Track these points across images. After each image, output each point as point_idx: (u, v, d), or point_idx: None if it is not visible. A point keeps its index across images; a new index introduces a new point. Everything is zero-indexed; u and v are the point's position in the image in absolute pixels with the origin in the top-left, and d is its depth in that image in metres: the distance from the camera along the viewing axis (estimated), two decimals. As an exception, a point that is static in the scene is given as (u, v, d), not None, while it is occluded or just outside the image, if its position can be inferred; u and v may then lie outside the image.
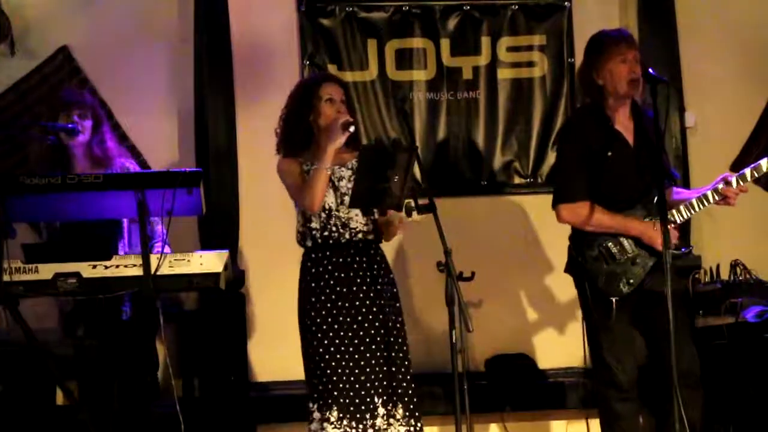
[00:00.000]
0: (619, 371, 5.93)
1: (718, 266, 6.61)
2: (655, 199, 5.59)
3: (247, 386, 6.80)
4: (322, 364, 5.60)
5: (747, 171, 5.67)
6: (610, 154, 5.84)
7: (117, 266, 5.47)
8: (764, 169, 5.64)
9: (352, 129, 5.57)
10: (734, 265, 6.87)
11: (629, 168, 5.82)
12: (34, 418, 6.44)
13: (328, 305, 5.63)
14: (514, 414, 7.02)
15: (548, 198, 7.13)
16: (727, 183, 5.66)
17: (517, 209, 7.39)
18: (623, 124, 5.89)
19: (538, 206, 7.34)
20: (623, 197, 5.81)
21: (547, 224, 7.18)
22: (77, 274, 5.46)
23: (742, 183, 5.67)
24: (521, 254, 7.33)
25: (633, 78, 5.77)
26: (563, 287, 6.96)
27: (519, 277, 7.28)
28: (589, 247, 5.95)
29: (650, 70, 5.68)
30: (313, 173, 5.56)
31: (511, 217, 7.37)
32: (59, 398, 6.40)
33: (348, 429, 5.56)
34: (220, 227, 6.86)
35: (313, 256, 5.68)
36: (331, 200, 5.65)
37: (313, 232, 5.66)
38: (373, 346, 5.64)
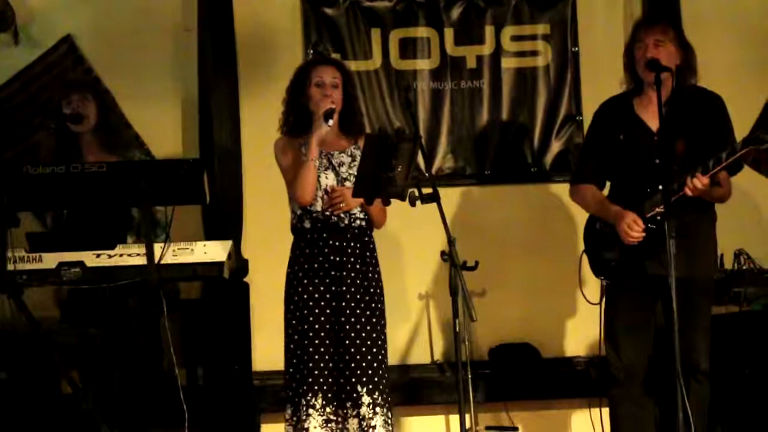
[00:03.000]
0: (614, 358, 5.97)
1: (721, 255, 6.59)
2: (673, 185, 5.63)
3: (251, 375, 6.81)
4: (310, 349, 5.66)
5: (710, 162, 5.64)
6: (622, 137, 5.89)
7: (121, 255, 5.50)
8: (723, 159, 5.59)
9: (330, 123, 5.64)
10: (738, 254, 6.87)
11: (644, 153, 5.83)
12: (39, 406, 6.46)
13: (322, 288, 5.69)
14: (518, 403, 7.03)
15: (552, 186, 7.21)
16: (693, 175, 5.63)
17: (520, 198, 7.40)
18: (654, 110, 5.83)
19: (541, 195, 7.36)
20: (638, 180, 5.83)
21: (551, 213, 7.20)
22: (81, 263, 5.49)
23: (702, 174, 5.62)
24: (526, 243, 7.34)
25: (645, 61, 5.77)
26: (568, 277, 6.96)
27: (523, 266, 7.29)
28: (589, 229, 6.07)
29: (653, 59, 5.70)
30: (301, 167, 5.62)
31: (515, 205, 7.38)
32: (65, 387, 6.43)
33: (331, 416, 5.59)
34: (224, 217, 6.87)
35: (308, 237, 5.73)
36: (332, 183, 5.71)
37: (314, 214, 5.70)
38: (363, 335, 5.68)
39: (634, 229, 5.74)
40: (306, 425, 5.62)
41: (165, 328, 5.95)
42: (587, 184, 6.07)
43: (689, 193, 5.59)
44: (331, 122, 5.67)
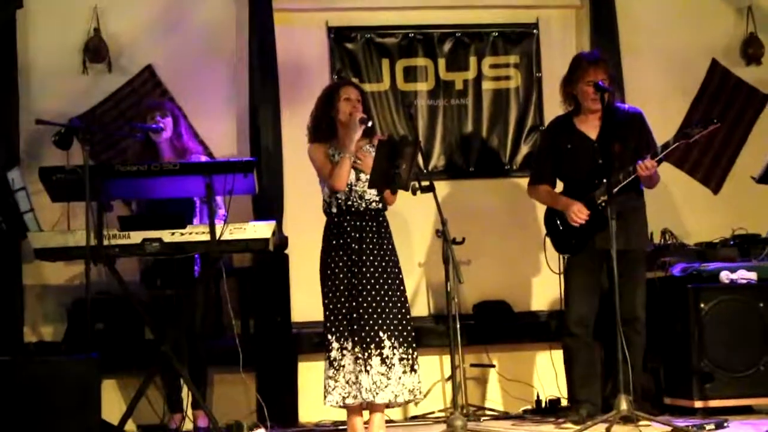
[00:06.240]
0: (569, 313, 6.00)
1: (651, 233, 6.58)
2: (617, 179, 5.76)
3: (290, 325, 6.81)
4: (339, 305, 5.67)
5: (659, 149, 5.75)
6: (569, 147, 5.94)
7: (190, 233, 5.51)
8: (671, 144, 5.72)
9: (370, 123, 5.70)
10: (664, 232, 6.86)
11: (588, 157, 5.90)
12: (128, 348, 6.47)
13: (345, 258, 5.70)
14: (495, 346, 7.02)
15: (521, 180, 7.21)
16: (642, 159, 5.71)
17: (497, 189, 7.38)
18: (591, 124, 5.95)
19: (513, 186, 7.35)
20: (583, 178, 5.91)
21: (519, 200, 7.18)
22: (160, 239, 5.50)
23: (652, 158, 5.71)
24: (501, 224, 7.32)
25: (594, 98, 5.82)
26: (533, 249, 6.96)
27: (499, 241, 7.28)
28: (548, 218, 6.10)
29: (599, 83, 5.75)
30: (340, 161, 5.62)
31: (493, 195, 7.37)
32: (147, 334, 6.44)
33: (359, 355, 5.61)
34: (269, 203, 6.86)
35: (336, 220, 5.75)
36: (351, 178, 5.70)
37: (339, 201, 5.71)
38: (381, 292, 5.68)
39: (579, 215, 5.83)
40: (342, 362, 5.64)
41: (224, 289, 5.95)
42: (542, 184, 6.16)
43: (642, 173, 5.67)
44: (370, 123, 5.71)
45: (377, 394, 5.58)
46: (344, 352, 5.63)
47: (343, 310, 5.66)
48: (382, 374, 5.60)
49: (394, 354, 5.63)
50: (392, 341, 5.64)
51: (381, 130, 7.13)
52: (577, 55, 6.21)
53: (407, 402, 5.78)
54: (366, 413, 5.78)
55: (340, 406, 5.71)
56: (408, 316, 5.75)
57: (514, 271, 7.26)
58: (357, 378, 5.60)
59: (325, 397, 5.68)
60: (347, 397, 5.62)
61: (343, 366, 5.63)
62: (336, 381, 5.65)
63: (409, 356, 5.67)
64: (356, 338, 5.63)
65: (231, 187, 5.47)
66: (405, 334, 5.69)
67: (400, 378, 5.63)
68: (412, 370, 5.67)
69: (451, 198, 7.15)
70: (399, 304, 5.72)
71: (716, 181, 7.49)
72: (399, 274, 5.78)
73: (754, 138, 7.52)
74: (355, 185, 5.72)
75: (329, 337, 5.69)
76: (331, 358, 5.67)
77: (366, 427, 5.74)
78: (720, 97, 7.50)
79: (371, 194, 5.74)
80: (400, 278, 5.77)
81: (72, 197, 5.59)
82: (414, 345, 5.73)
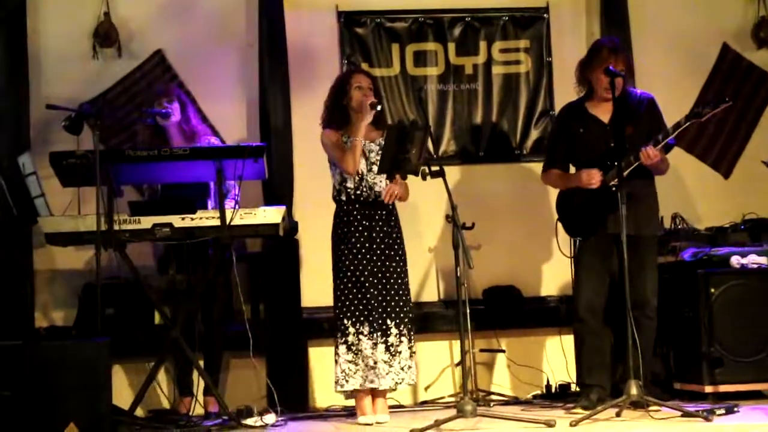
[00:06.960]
0: (578, 298, 6.00)
1: (662, 218, 6.56)
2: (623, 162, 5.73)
3: (300, 310, 6.81)
4: (354, 290, 5.71)
5: (660, 137, 5.72)
6: (582, 131, 5.93)
7: (200, 218, 5.53)
8: (670, 134, 5.72)
9: (378, 108, 5.76)
10: (674, 217, 6.84)
11: (600, 140, 5.91)
12: (139, 334, 6.48)
13: (358, 245, 5.75)
14: (504, 331, 7.01)
15: (531, 165, 7.19)
16: (645, 146, 5.71)
17: (507, 174, 7.36)
18: (603, 108, 5.93)
19: (523, 172, 7.33)
20: (595, 161, 5.90)
21: (529, 185, 7.16)
22: (170, 224, 5.52)
23: (655, 146, 5.70)
24: (511, 209, 7.30)
25: (607, 87, 5.80)
26: (543, 234, 6.94)
27: (509, 226, 7.26)
28: (560, 201, 6.09)
29: (610, 67, 5.73)
30: (351, 145, 5.66)
31: (503, 180, 7.35)
32: (157, 319, 6.45)
33: (377, 341, 5.63)
34: (279, 188, 6.85)
35: (345, 208, 5.79)
36: (363, 167, 5.75)
37: (348, 190, 5.74)
38: (392, 281, 5.76)
39: (592, 177, 5.81)
40: (360, 347, 5.69)
41: (234, 274, 5.96)
42: (555, 169, 6.16)
43: (644, 160, 5.66)
44: (379, 107, 5.74)
45: (382, 379, 5.65)
46: (360, 336, 5.67)
47: (359, 295, 5.72)
48: (385, 362, 5.67)
49: (400, 342, 5.69)
50: (398, 329, 5.72)
51: (391, 115, 7.13)
52: (598, 41, 6.17)
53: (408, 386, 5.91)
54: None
55: (354, 392, 5.74)
56: (410, 304, 5.85)
57: (523, 256, 7.24)
58: (375, 363, 5.65)
59: (345, 381, 5.69)
60: (366, 380, 5.66)
61: (361, 350, 5.67)
62: (356, 365, 5.68)
63: (412, 344, 5.77)
64: (374, 324, 5.69)
65: (241, 172, 5.48)
66: (407, 321, 5.79)
67: (410, 366, 5.71)
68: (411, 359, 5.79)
69: (461, 183, 7.14)
70: (402, 292, 5.79)
71: (727, 165, 7.46)
72: (404, 264, 5.84)
73: (765, 122, 7.48)
74: (367, 175, 5.74)
75: (345, 321, 5.70)
76: (349, 343, 5.69)
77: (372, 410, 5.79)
78: (731, 81, 7.47)
79: (381, 186, 5.77)
80: (405, 268, 5.84)
81: (82, 182, 5.60)
82: (413, 333, 5.83)
